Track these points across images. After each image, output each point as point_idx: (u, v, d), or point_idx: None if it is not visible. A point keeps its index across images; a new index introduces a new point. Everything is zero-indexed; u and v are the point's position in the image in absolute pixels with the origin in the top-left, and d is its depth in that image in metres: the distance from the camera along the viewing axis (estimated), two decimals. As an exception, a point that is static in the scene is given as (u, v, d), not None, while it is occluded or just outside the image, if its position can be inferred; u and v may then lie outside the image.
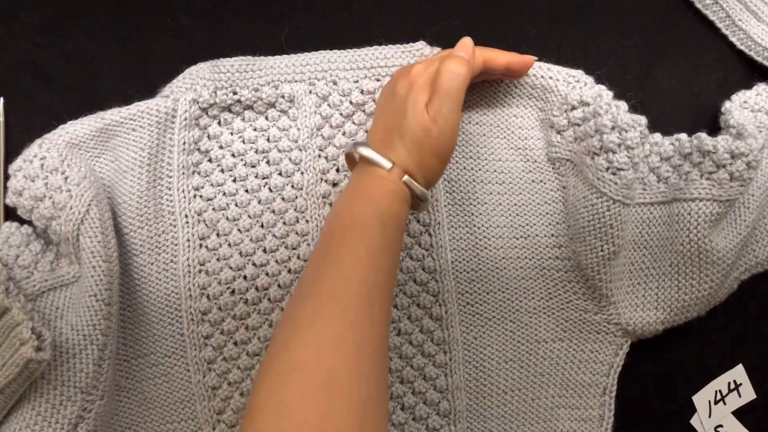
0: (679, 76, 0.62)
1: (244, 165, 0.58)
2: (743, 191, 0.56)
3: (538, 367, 0.59)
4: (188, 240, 0.57)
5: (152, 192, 0.57)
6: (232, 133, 0.58)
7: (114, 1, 0.61)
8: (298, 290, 0.43)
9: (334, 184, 0.58)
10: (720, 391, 0.61)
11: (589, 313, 0.58)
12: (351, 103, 0.58)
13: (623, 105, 0.56)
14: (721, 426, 0.61)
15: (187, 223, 0.57)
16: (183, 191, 0.57)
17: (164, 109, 0.57)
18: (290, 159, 0.58)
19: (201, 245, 0.57)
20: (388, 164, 0.46)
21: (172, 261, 0.57)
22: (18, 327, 0.49)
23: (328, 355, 0.38)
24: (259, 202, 0.58)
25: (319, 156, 0.58)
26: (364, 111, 0.59)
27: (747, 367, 0.61)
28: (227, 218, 0.58)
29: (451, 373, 0.57)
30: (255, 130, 0.59)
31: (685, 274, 0.57)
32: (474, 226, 0.59)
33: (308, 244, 0.58)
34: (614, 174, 0.54)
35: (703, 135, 0.56)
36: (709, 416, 0.60)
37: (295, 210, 0.58)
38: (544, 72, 0.59)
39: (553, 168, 0.59)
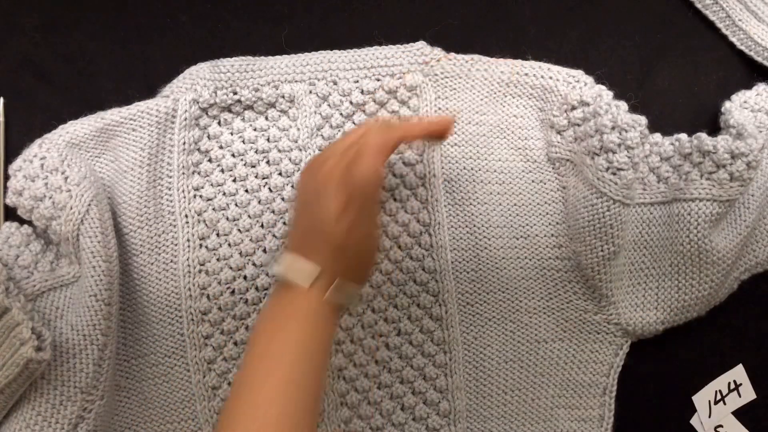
0: (679, 76, 0.62)
1: (244, 165, 0.58)
2: (743, 191, 0.56)
3: (538, 367, 0.59)
4: (188, 240, 0.57)
5: (152, 192, 0.57)
6: (232, 133, 0.58)
7: (114, 1, 0.61)
8: (228, 402, 0.43)
9: None
10: (720, 391, 0.61)
11: (589, 313, 0.58)
12: (351, 103, 0.58)
13: (623, 105, 0.56)
14: (721, 426, 0.61)
15: (187, 223, 0.57)
16: (183, 191, 0.57)
17: (164, 109, 0.57)
18: (290, 159, 0.58)
19: (201, 245, 0.57)
20: (306, 283, 0.44)
21: (172, 261, 0.57)
22: (18, 327, 0.49)
23: None
24: (259, 202, 0.58)
25: (319, 156, 0.58)
26: (364, 111, 0.59)
27: (747, 367, 0.61)
28: (227, 218, 0.58)
29: (451, 373, 0.57)
30: (255, 130, 0.59)
31: (685, 274, 0.57)
32: (474, 226, 0.59)
33: (308, 244, 0.58)
34: (614, 174, 0.54)
35: (703, 135, 0.56)
36: (709, 416, 0.60)
37: (295, 210, 0.58)
38: (544, 72, 0.59)
39: (553, 168, 0.59)
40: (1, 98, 0.59)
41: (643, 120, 0.55)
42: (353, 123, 0.59)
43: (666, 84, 0.62)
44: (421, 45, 0.59)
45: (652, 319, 0.57)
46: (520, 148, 0.59)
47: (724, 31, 0.62)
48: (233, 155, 0.58)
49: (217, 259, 0.57)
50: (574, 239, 0.57)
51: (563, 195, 0.58)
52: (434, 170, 0.58)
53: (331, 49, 0.59)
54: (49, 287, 0.54)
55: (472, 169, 0.59)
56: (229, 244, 0.57)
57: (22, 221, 0.55)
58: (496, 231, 0.58)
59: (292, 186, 0.58)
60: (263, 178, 0.58)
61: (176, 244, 0.57)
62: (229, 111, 0.58)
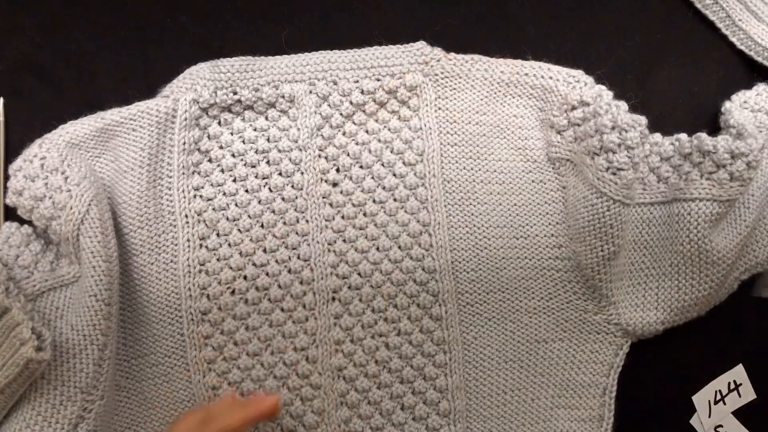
0: (679, 76, 0.62)
1: (244, 165, 0.58)
2: (743, 191, 0.56)
3: (538, 367, 0.59)
4: (188, 240, 0.57)
5: (152, 192, 0.57)
6: (232, 133, 0.58)
7: (114, 1, 0.61)
8: None
9: (334, 184, 0.58)
10: (720, 391, 0.61)
11: (589, 313, 0.58)
12: (351, 103, 0.58)
13: (623, 105, 0.56)
14: (721, 426, 0.61)
15: (187, 223, 0.57)
16: (183, 191, 0.57)
17: (164, 109, 0.57)
18: (290, 159, 0.58)
19: (201, 245, 0.57)
20: None
21: (172, 261, 0.57)
22: (18, 327, 0.49)
23: None
24: (260, 202, 0.58)
25: (319, 156, 0.58)
26: (364, 111, 0.59)
27: (747, 367, 0.61)
28: (227, 218, 0.58)
29: (451, 373, 0.57)
30: (255, 130, 0.59)
31: (685, 274, 0.57)
32: (474, 226, 0.59)
33: (308, 244, 0.58)
34: (614, 174, 0.54)
35: (703, 135, 0.56)
36: (709, 416, 0.60)
37: (295, 210, 0.58)
38: (544, 72, 0.59)
39: (553, 168, 0.59)
40: (1, 98, 0.59)
41: (643, 120, 0.55)
42: (353, 123, 0.59)
43: (666, 84, 0.62)
44: (421, 45, 0.59)
45: (652, 319, 0.57)
46: (520, 148, 0.59)
47: (724, 31, 0.62)
48: (233, 155, 0.58)
49: (217, 259, 0.57)
50: (574, 239, 0.57)
51: (563, 195, 0.58)
52: (434, 170, 0.58)
53: (331, 49, 0.59)
54: (49, 287, 0.54)
55: (472, 169, 0.59)
56: (229, 244, 0.57)
57: (22, 221, 0.55)
58: (496, 231, 0.58)
59: (292, 186, 0.58)
60: (263, 178, 0.58)
61: (176, 244, 0.57)
62: (229, 111, 0.58)
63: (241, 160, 0.58)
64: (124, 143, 0.57)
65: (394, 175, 0.58)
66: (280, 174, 0.58)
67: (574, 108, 0.57)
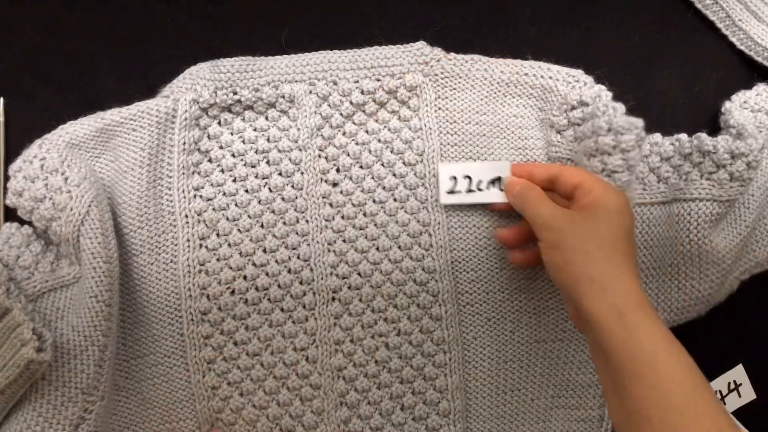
0: (679, 76, 0.62)
1: (244, 165, 0.58)
2: (743, 191, 0.56)
3: (538, 367, 0.59)
4: (188, 240, 0.57)
5: (152, 192, 0.57)
6: (232, 133, 0.58)
7: (114, 2, 0.61)
8: None
9: (334, 184, 0.58)
10: (720, 391, 0.61)
11: (589, 313, 0.58)
12: (351, 103, 0.58)
13: (620, 107, 0.55)
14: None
15: (187, 223, 0.57)
16: (183, 191, 0.57)
17: (164, 109, 0.57)
18: (290, 159, 0.58)
19: (201, 245, 0.57)
20: None
21: (172, 261, 0.57)
22: (19, 328, 0.49)
23: None
24: (259, 202, 0.58)
25: (319, 156, 0.58)
26: (364, 111, 0.59)
27: (747, 367, 0.61)
28: (227, 218, 0.58)
29: (451, 373, 0.58)
30: (255, 130, 0.59)
31: (685, 274, 0.57)
32: (474, 226, 0.59)
33: (308, 244, 0.58)
34: (609, 176, 0.54)
35: (703, 135, 0.56)
36: (709, 416, 0.60)
37: (295, 210, 0.58)
38: (543, 72, 0.59)
39: (553, 168, 0.59)
40: (1, 98, 0.59)
41: (639, 123, 0.54)
42: (353, 123, 0.59)
43: (666, 84, 0.62)
44: (421, 45, 0.59)
45: (661, 317, 0.57)
46: (520, 148, 0.59)
47: (724, 31, 0.62)
48: (233, 155, 0.58)
49: (217, 259, 0.57)
50: (574, 239, 0.57)
51: (563, 195, 0.58)
52: (434, 170, 0.58)
53: (331, 49, 0.59)
54: (50, 288, 0.54)
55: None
56: (229, 244, 0.57)
57: (22, 221, 0.55)
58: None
59: (292, 186, 0.58)
60: (263, 178, 0.58)
61: (176, 244, 0.57)
62: (229, 111, 0.58)
63: (241, 160, 0.58)
64: (124, 143, 0.57)
65: (394, 175, 0.58)
66: (280, 174, 0.58)
67: (573, 108, 0.57)
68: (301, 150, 0.58)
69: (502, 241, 0.57)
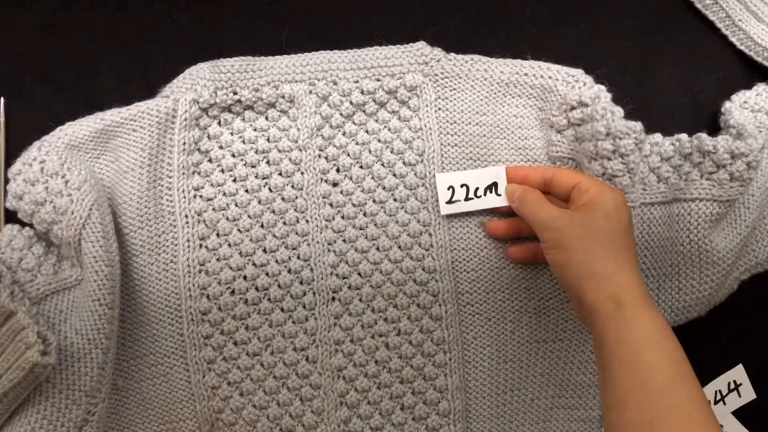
0: (679, 76, 0.62)
1: (244, 165, 0.58)
2: (743, 191, 0.56)
3: (538, 368, 0.59)
4: (188, 240, 0.57)
5: (152, 192, 0.57)
6: (232, 133, 0.58)
7: (114, 1, 0.61)
8: None
9: (334, 184, 0.58)
10: (720, 391, 0.61)
11: (589, 313, 0.58)
12: (351, 103, 0.58)
13: (618, 111, 0.55)
14: (721, 426, 0.61)
15: (187, 223, 0.57)
16: (183, 191, 0.57)
17: (164, 109, 0.57)
18: (290, 159, 0.58)
19: (201, 245, 0.57)
20: None
21: (172, 261, 0.57)
22: (24, 331, 0.49)
23: None
24: (259, 202, 0.58)
25: (319, 156, 0.58)
26: (364, 111, 0.59)
27: (747, 367, 0.61)
28: (227, 218, 0.58)
29: (451, 373, 0.57)
30: (255, 130, 0.59)
31: (685, 274, 0.57)
32: (474, 226, 0.59)
33: (308, 244, 0.58)
34: (610, 180, 0.54)
35: (704, 135, 0.56)
36: (709, 416, 0.60)
37: (295, 210, 0.58)
38: (543, 72, 0.59)
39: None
40: (2, 98, 0.59)
41: (638, 126, 0.54)
42: (353, 123, 0.59)
43: (666, 84, 0.62)
44: (421, 45, 0.59)
45: (660, 314, 0.57)
46: (520, 148, 0.59)
47: (724, 31, 0.62)
48: (233, 155, 0.58)
49: (217, 259, 0.57)
50: (574, 239, 0.57)
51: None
52: (434, 170, 0.58)
53: (331, 49, 0.59)
54: (53, 290, 0.54)
55: (472, 169, 0.59)
56: (229, 244, 0.57)
57: (23, 223, 0.55)
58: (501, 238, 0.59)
59: (292, 186, 0.58)
60: (263, 178, 0.58)
61: (176, 244, 0.57)
62: (229, 111, 0.58)
63: (241, 160, 0.58)
64: (125, 144, 0.57)
65: (394, 175, 0.58)
66: (280, 174, 0.58)
67: (573, 108, 0.57)
68: (301, 150, 0.58)
69: (494, 232, 0.58)
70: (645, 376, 0.43)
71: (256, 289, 0.57)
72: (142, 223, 0.57)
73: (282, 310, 0.57)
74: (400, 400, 0.57)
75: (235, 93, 0.58)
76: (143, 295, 0.57)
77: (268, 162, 0.58)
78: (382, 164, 0.58)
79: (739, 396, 0.61)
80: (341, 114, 0.59)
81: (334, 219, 0.58)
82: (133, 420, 0.57)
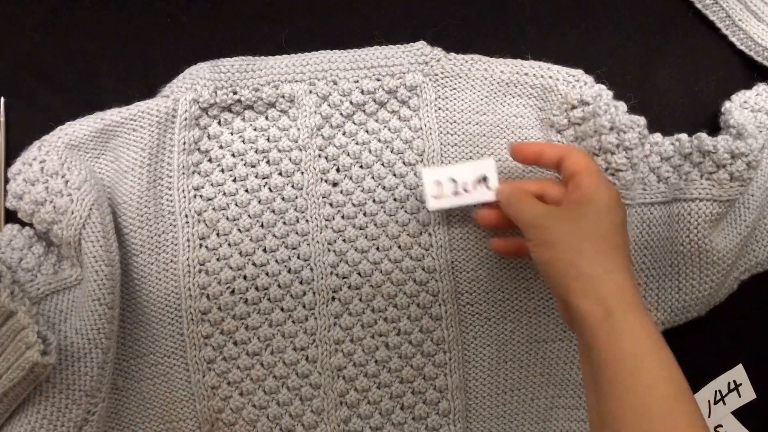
0: (679, 76, 0.62)
1: (244, 165, 0.58)
2: (743, 191, 0.56)
3: (538, 367, 0.59)
4: (188, 240, 0.57)
5: (152, 192, 0.57)
6: (232, 133, 0.58)
7: (114, 1, 0.61)
8: None
9: (334, 184, 0.58)
10: (720, 391, 0.61)
11: (589, 313, 0.58)
12: (351, 103, 0.58)
13: (622, 106, 0.56)
14: (720, 426, 0.61)
15: (187, 223, 0.57)
16: (183, 191, 0.57)
17: (164, 109, 0.57)
18: (290, 159, 0.58)
19: (201, 245, 0.57)
20: None
21: (172, 261, 0.57)
22: (24, 331, 0.49)
23: None
24: (259, 201, 0.58)
25: (319, 156, 0.58)
26: (364, 111, 0.59)
27: (747, 367, 0.61)
28: (227, 218, 0.58)
29: (451, 373, 0.58)
30: (255, 129, 0.59)
31: (685, 274, 0.57)
32: (474, 226, 0.59)
33: (308, 244, 0.58)
34: (612, 175, 0.55)
35: (704, 135, 0.56)
36: (709, 416, 0.60)
37: (295, 210, 0.58)
38: (543, 71, 0.59)
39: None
40: (2, 98, 0.59)
41: (641, 121, 0.55)
42: (353, 123, 0.59)
43: (666, 84, 0.62)
44: (421, 45, 0.59)
45: (652, 320, 0.57)
46: (520, 148, 0.59)
47: (724, 31, 0.62)
48: (233, 155, 0.58)
49: (217, 259, 0.57)
50: (574, 239, 0.57)
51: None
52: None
53: (331, 49, 0.59)
54: (53, 290, 0.54)
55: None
56: (229, 244, 0.57)
57: (23, 223, 0.55)
58: (495, 231, 0.58)
59: (292, 186, 0.58)
60: (263, 178, 0.58)
61: (176, 244, 0.57)
62: (229, 111, 0.58)
63: (241, 159, 0.58)
64: (125, 143, 0.57)
65: (394, 175, 0.58)
66: (280, 174, 0.58)
67: (573, 107, 0.57)
68: (301, 150, 0.58)
69: (482, 221, 0.56)
70: (643, 396, 0.41)
71: (256, 288, 0.57)
72: (142, 222, 0.57)
73: (282, 309, 0.57)
74: (400, 399, 0.57)
75: (235, 93, 0.58)
76: (143, 294, 0.57)
77: (268, 162, 0.58)
78: (382, 164, 0.58)
79: (739, 396, 0.61)
80: (341, 114, 0.59)
81: (334, 219, 0.58)
82: (133, 420, 0.57)
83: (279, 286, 0.57)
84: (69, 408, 0.52)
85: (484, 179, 0.54)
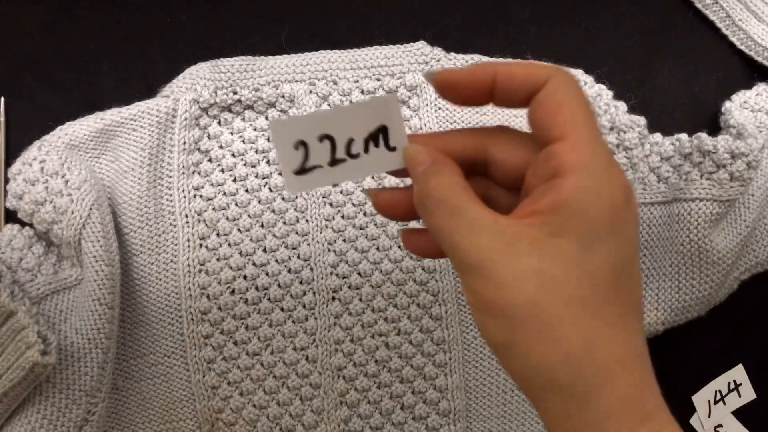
0: (679, 76, 0.62)
1: (245, 165, 0.58)
2: (743, 191, 0.56)
3: (538, 367, 0.59)
4: (188, 240, 0.57)
5: (152, 192, 0.57)
6: (232, 133, 0.58)
7: (114, 1, 0.61)
8: None
9: (334, 184, 0.58)
10: (720, 391, 0.61)
11: (589, 313, 0.58)
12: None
13: (622, 105, 0.56)
14: (720, 426, 0.61)
15: (187, 222, 0.57)
16: (183, 191, 0.57)
17: (164, 109, 0.57)
18: (290, 159, 0.58)
19: (201, 245, 0.57)
20: None
21: (172, 261, 0.57)
22: (24, 331, 0.49)
23: None
24: (260, 201, 0.58)
25: (319, 156, 0.58)
26: (364, 111, 0.59)
27: (747, 367, 0.61)
28: (227, 218, 0.58)
29: (451, 373, 0.58)
30: (255, 129, 0.59)
31: (685, 274, 0.57)
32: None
33: (308, 244, 0.58)
34: None
35: (704, 135, 0.56)
36: (709, 416, 0.60)
37: (295, 210, 0.58)
38: (544, 72, 0.59)
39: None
40: (2, 98, 0.59)
41: (642, 121, 0.55)
42: (353, 123, 0.59)
43: (666, 84, 0.62)
44: (421, 45, 0.59)
45: (652, 320, 0.57)
46: (520, 148, 0.59)
47: (724, 31, 0.62)
48: (233, 155, 0.58)
49: (217, 259, 0.57)
50: (574, 239, 0.57)
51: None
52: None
53: (331, 49, 0.59)
54: (53, 290, 0.54)
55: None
56: (229, 244, 0.57)
57: (23, 223, 0.55)
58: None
59: (292, 186, 0.58)
60: (263, 178, 0.58)
61: (176, 244, 0.57)
62: (230, 111, 0.59)
63: (242, 159, 0.58)
64: (125, 143, 0.57)
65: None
66: (280, 174, 0.58)
67: (574, 108, 0.57)
68: (301, 150, 0.58)
69: (386, 209, 0.34)
70: None
71: (256, 288, 0.57)
72: (142, 222, 0.57)
73: (282, 309, 0.57)
74: (400, 399, 0.57)
75: (235, 93, 0.58)
76: (143, 294, 0.57)
77: (268, 162, 0.58)
78: (372, 176, 0.58)
79: (739, 396, 0.61)
80: (341, 114, 0.58)
81: (334, 218, 0.58)
82: (133, 420, 0.57)
83: (279, 286, 0.57)
84: (69, 408, 0.52)
85: (384, 133, 0.32)
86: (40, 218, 0.53)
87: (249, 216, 0.58)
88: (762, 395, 0.61)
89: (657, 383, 0.28)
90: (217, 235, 0.57)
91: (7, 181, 0.55)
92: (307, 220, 0.58)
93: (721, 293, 0.58)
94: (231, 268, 0.57)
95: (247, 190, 0.58)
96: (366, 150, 0.32)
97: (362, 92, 0.58)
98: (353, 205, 0.58)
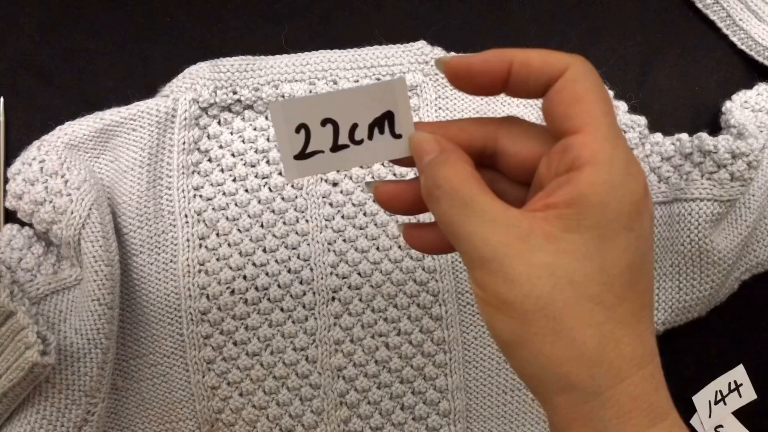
0: (679, 76, 0.62)
1: (244, 164, 0.58)
2: (744, 191, 0.56)
3: (538, 367, 0.58)
4: (188, 240, 0.57)
5: (152, 192, 0.57)
6: (232, 133, 0.58)
7: (114, 1, 0.61)
8: None
9: (334, 184, 0.58)
10: (720, 391, 0.61)
11: (589, 313, 0.58)
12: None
13: (622, 105, 0.56)
14: (721, 426, 0.61)
15: (187, 222, 0.57)
16: (183, 191, 0.57)
17: (164, 108, 0.57)
18: (290, 159, 0.58)
19: (201, 245, 0.57)
20: None
21: (171, 261, 0.57)
22: (23, 331, 0.49)
23: None
24: (259, 201, 0.58)
25: (319, 156, 0.58)
26: (364, 111, 0.59)
27: (747, 368, 0.61)
28: (227, 218, 0.58)
29: (451, 373, 0.57)
30: (255, 129, 0.59)
31: (685, 274, 0.57)
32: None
33: (308, 244, 0.58)
34: None
35: (704, 135, 0.56)
36: (709, 416, 0.60)
37: (295, 210, 0.58)
38: (544, 72, 0.59)
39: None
40: (1, 98, 0.59)
41: (642, 120, 0.55)
42: (353, 123, 0.59)
43: (666, 84, 0.62)
44: (421, 45, 0.59)
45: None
46: (520, 148, 0.59)
47: (724, 30, 0.62)
48: (233, 155, 0.58)
49: (217, 259, 0.57)
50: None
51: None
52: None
53: (331, 49, 0.59)
54: (53, 290, 0.54)
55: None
56: (229, 244, 0.57)
57: (22, 223, 0.55)
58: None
59: (292, 185, 0.58)
60: (263, 178, 0.58)
61: (176, 244, 0.57)
62: (229, 110, 0.58)
63: (241, 159, 0.58)
64: (124, 143, 0.57)
65: (395, 174, 0.58)
66: (280, 174, 0.58)
67: (574, 108, 0.57)
68: (301, 150, 0.58)
69: (387, 202, 0.33)
70: None
71: (256, 289, 0.57)
72: (142, 222, 0.57)
73: (282, 310, 0.57)
74: (400, 400, 0.57)
75: (234, 92, 0.58)
76: (143, 295, 0.57)
77: (268, 162, 0.58)
78: (382, 164, 0.58)
79: (740, 396, 0.61)
80: (341, 114, 0.58)
81: (334, 218, 0.58)
82: (133, 420, 0.57)
83: (279, 286, 0.57)
84: (68, 408, 0.52)
85: (389, 120, 0.31)
86: (39, 218, 0.53)
87: (249, 216, 0.58)
88: (763, 396, 0.61)
89: (667, 398, 0.28)
90: (217, 235, 0.57)
91: (6, 181, 0.55)
92: (307, 220, 0.58)
93: (721, 293, 0.58)
94: (231, 268, 0.57)
95: (246, 190, 0.58)
96: (370, 136, 0.31)
97: (362, 92, 0.58)
98: (353, 205, 0.58)
